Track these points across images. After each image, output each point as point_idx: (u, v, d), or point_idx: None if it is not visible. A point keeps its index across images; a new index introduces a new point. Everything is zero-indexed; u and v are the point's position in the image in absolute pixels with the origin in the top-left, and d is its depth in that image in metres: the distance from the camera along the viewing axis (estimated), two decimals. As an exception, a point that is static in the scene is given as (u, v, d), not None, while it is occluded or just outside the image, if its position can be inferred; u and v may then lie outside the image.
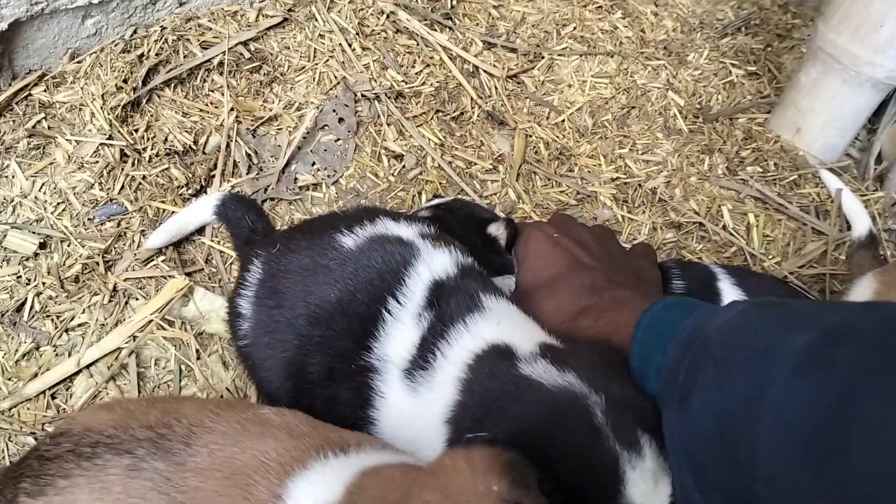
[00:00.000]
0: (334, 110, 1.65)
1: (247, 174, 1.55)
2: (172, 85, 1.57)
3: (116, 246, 1.42)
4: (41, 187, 1.45)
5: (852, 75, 1.62)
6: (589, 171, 1.71)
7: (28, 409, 1.26)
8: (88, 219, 1.43)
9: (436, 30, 1.80)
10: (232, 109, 1.57)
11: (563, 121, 1.78)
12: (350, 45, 1.73)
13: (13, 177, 1.45)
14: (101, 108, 1.49)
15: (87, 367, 1.30)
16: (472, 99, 1.75)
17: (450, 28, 1.83)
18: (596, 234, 1.24)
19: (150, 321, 1.33)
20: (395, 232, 1.09)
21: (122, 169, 1.47)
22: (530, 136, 1.74)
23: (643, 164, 1.74)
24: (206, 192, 1.53)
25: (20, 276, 1.36)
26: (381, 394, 0.96)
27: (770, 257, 1.62)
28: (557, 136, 1.75)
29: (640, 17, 1.99)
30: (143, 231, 1.43)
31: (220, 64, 1.61)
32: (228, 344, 1.32)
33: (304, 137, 1.60)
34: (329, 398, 1.00)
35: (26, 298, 1.35)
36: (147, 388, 1.31)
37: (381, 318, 0.99)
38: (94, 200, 1.44)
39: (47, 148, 1.49)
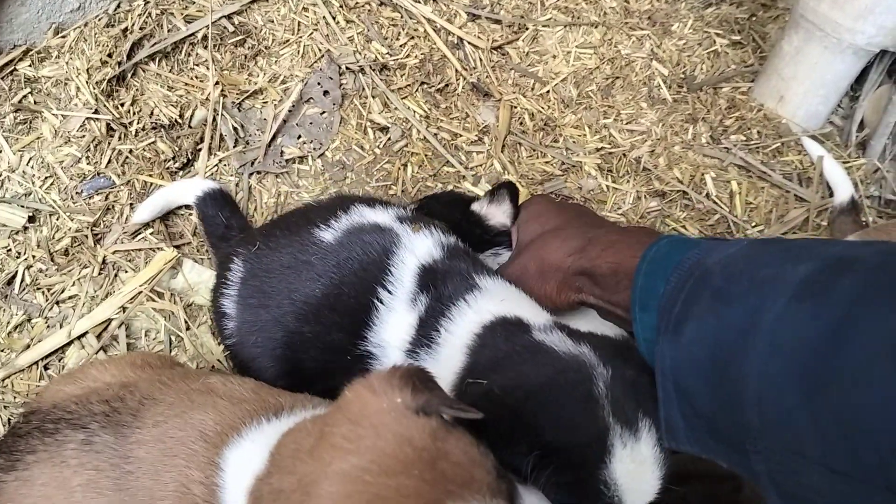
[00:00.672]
0: (319, 83, 1.65)
1: (234, 147, 1.56)
2: (157, 59, 1.58)
3: (105, 219, 1.43)
4: (29, 161, 1.46)
5: (833, 42, 1.63)
6: (574, 142, 1.72)
7: (21, 379, 1.29)
8: (76, 192, 1.44)
9: (420, 2, 1.80)
10: (217, 83, 1.57)
11: (548, 92, 1.79)
12: (334, 18, 1.73)
13: (0, 151, 1.46)
14: (87, 82, 1.50)
15: (79, 338, 1.32)
16: (456, 71, 1.76)
17: (434, 0, 1.83)
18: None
19: (140, 292, 1.36)
20: (372, 219, 1.10)
21: (109, 143, 1.48)
22: (515, 107, 1.75)
23: (627, 134, 1.75)
24: (193, 165, 1.54)
25: (10, 250, 1.38)
26: None
27: (753, 225, 1.64)
28: (542, 107, 1.76)
29: (624, -13, 1.99)
30: (131, 204, 1.45)
31: (205, 38, 1.61)
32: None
33: (289, 111, 1.61)
34: (328, 390, 1.00)
35: (17, 272, 1.37)
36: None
37: (374, 308, 1.00)
38: (81, 174, 1.46)
39: (34, 122, 1.50)
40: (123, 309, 1.35)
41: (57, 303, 1.36)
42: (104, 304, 1.35)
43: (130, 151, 1.48)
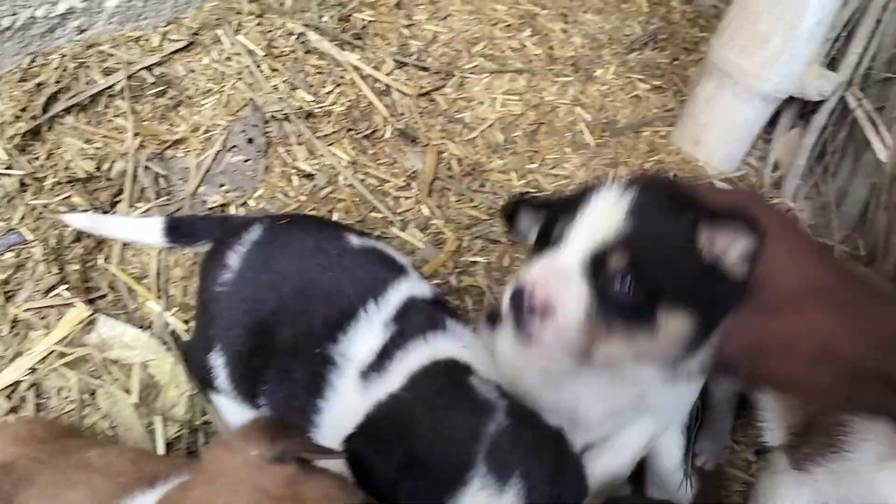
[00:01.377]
0: (243, 131, 1.66)
1: (156, 199, 1.55)
2: (74, 112, 1.56)
3: (16, 276, 1.40)
4: (-63, 219, 1.42)
5: (743, 89, 1.70)
6: (500, 186, 1.75)
7: (-78, 446, 1.24)
8: (-14, 250, 1.41)
9: (346, 50, 1.83)
10: (136, 134, 1.56)
11: (475, 137, 1.82)
12: (258, 67, 1.74)
13: None
14: (-1, 137, 1.47)
15: (-13, 399, 1.28)
16: (384, 117, 1.78)
17: (360, 48, 1.86)
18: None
19: (52, 352, 1.32)
20: (387, 251, 1.20)
21: (23, 198, 1.46)
22: (443, 152, 1.77)
23: (552, 178, 1.79)
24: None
25: (-87, 311, 1.34)
26: (333, 387, 1.01)
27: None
28: (470, 153, 1.79)
29: (549, 34, 2.05)
30: (45, 259, 1.42)
31: (124, 90, 1.60)
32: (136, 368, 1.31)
33: (212, 159, 1.61)
34: (283, 371, 1.06)
35: (-78, 333, 1.32)
36: (49, 419, 1.30)
37: (357, 315, 1.05)
38: (-8, 231, 1.43)
39: (-57, 179, 1.47)
40: (33, 370, 1.31)
41: (-36, 364, 1.32)
42: (13, 364, 1.32)
43: (45, 206, 1.46)
